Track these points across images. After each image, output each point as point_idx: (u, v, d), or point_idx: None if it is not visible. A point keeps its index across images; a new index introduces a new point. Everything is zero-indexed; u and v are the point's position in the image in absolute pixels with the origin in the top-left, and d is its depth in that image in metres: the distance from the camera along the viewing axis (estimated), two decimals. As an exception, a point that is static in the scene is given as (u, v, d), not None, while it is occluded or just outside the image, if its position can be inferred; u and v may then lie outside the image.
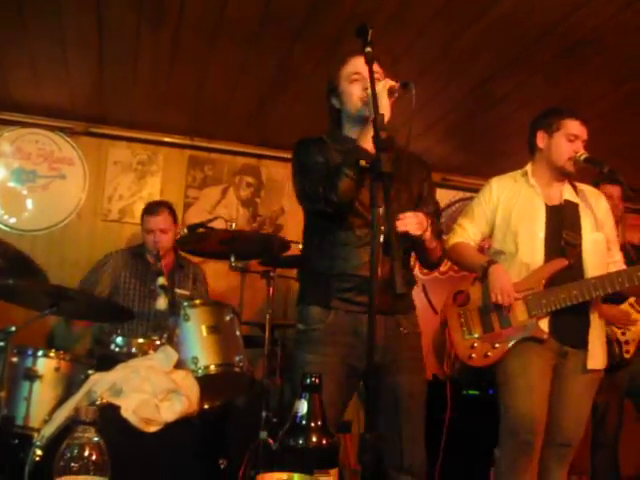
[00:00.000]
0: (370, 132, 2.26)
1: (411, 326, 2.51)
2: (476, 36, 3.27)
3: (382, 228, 2.37)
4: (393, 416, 2.39)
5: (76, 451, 1.18)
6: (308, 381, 1.38)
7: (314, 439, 1.31)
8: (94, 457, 1.18)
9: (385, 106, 2.28)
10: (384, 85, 2.33)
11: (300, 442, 1.31)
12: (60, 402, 3.08)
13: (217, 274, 4.45)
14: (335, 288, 2.43)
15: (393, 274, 1.86)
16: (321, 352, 2.40)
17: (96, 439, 1.19)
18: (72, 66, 3.89)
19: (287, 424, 1.35)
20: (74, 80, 4.09)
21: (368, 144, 2.26)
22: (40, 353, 3.23)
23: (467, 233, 3.16)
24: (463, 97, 3.97)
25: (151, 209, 4.05)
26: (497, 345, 2.95)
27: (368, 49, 2.14)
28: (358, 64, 2.45)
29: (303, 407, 1.35)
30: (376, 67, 2.39)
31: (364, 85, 2.43)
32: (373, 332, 1.78)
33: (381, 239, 2.37)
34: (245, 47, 3.54)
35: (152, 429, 2.64)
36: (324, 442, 1.31)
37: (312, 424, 1.33)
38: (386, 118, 2.28)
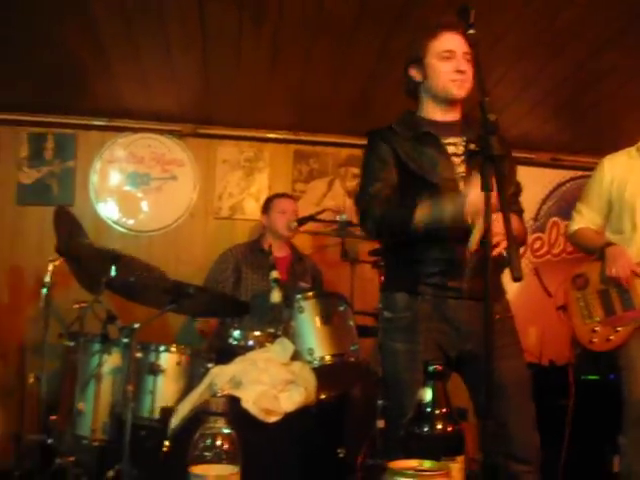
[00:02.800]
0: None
1: (504, 311, 2.42)
2: (581, 9, 3.15)
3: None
4: (499, 404, 2.32)
5: (208, 441, 1.22)
6: (431, 369, 1.37)
7: (439, 426, 1.31)
8: (226, 447, 1.22)
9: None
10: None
11: (425, 430, 1.30)
12: (183, 395, 3.18)
13: (327, 265, 4.49)
14: (421, 273, 2.36)
15: (485, 258, 1.79)
16: (410, 340, 2.35)
17: (227, 429, 1.23)
18: (178, 71, 4.00)
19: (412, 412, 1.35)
20: (181, 84, 4.21)
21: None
22: (162, 348, 3.36)
23: (585, 219, 3.06)
24: (568, 73, 3.83)
25: (280, 194, 4.29)
26: (619, 328, 2.84)
27: (471, 30, 2.09)
28: (451, 41, 2.39)
29: (427, 395, 1.34)
30: (465, 46, 2.35)
31: (456, 65, 2.38)
32: (490, 318, 1.73)
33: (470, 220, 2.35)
34: (345, 39, 3.54)
35: (272, 419, 2.69)
36: (449, 429, 1.30)
37: (437, 411, 1.32)
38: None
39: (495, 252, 2.08)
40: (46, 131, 4.79)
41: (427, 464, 1.12)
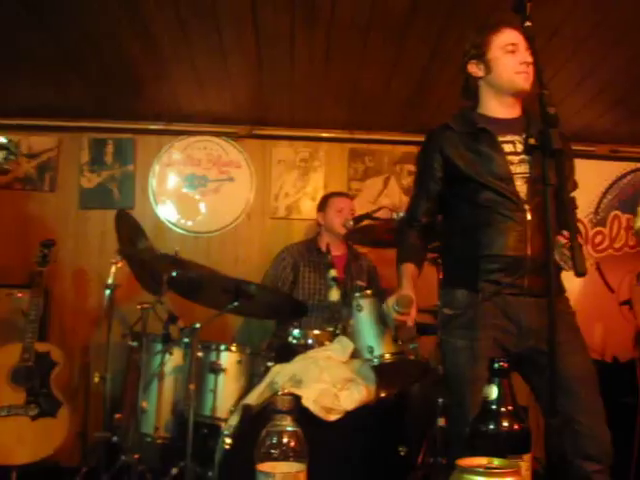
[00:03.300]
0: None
1: (564, 307, 2.38)
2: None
3: (527, 207, 2.34)
4: (565, 400, 2.29)
5: (275, 439, 1.24)
6: (496, 366, 1.35)
7: (505, 424, 1.29)
8: (292, 444, 1.23)
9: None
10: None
11: (491, 427, 1.30)
12: (243, 393, 3.23)
13: (383, 263, 4.48)
14: (482, 270, 2.36)
15: (547, 254, 1.79)
16: (471, 337, 2.33)
17: (293, 427, 1.25)
18: (233, 73, 4.05)
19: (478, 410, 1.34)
20: (236, 86, 4.25)
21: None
22: (223, 348, 3.41)
23: None
24: (628, 63, 3.75)
25: (338, 192, 4.35)
26: (686, 323, 2.77)
27: (528, 23, 2.06)
28: (514, 35, 2.39)
29: (493, 392, 1.33)
30: (528, 44, 2.33)
31: (522, 58, 2.37)
32: (553, 315, 1.71)
33: (528, 217, 2.34)
34: (397, 37, 3.53)
35: (332, 418, 2.70)
36: (516, 427, 1.29)
37: (502, 409, 1.31)
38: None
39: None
40: (106, 136, 4.90)
41: (497, 462, 1.11)
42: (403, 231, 2.64)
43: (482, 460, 1.13)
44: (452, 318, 2.42)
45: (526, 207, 2.35)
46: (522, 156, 2.40)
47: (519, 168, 2.39)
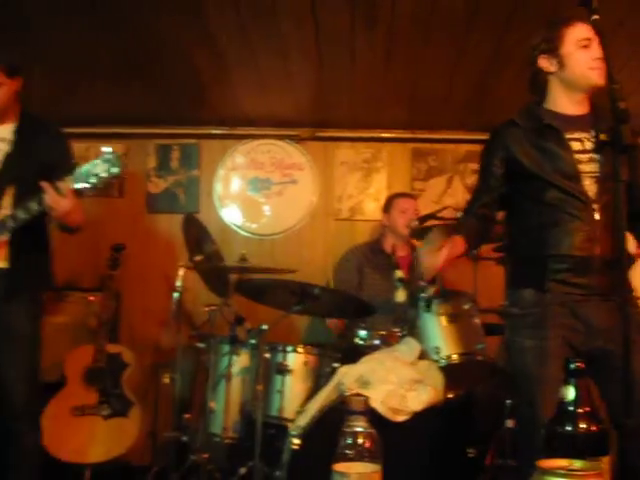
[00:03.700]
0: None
1: (633, 307, 2.28)
2: None
3: (595, 206, 2.29)
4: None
5: (350, 439, 1.25)
6: (572, 366, 1.33)
7: (583, 426, 1.27)
8: (367, 445, 1.24)
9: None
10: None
11: (568, 429, 1.28)
12: (310, 394, 3.24)
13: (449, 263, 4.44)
14: (550, 270, 2.33)
15: (619, 253, 1.75)
16: (540, 336, 2.31)
17: (367, 428, 1.25)
18: (295, 75, 4.07)
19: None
20: (297, 89, 4.28)
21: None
22: (289, 349, 3.42)
23: None
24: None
25: (401, 193, 4.33)
26: None
27: (595, 17, 2.03)
28: (587, 30, 2.33)
29: (570, 393, 1.31)
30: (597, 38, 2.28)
31: (594, 53, 2.31)
32: (627, 314, 1.67)
33: (597, 216, 2.29)
34: (459, 35, 3.50)
35: (400, 419, 2.69)
36: (594, 429, 1.27)
37: (580, 410, 1.29)
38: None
39: None
40: (172, 142, 4.99)
41: (577, 464, 1.09)
42: (459, 219, 2.66)
43: (563, 462, 1.11)
44: (519, 318, 2.40)
45: (594, 206, 2.31)
46: (591, 154, 2.35)
47: (588, 167, 2.34)
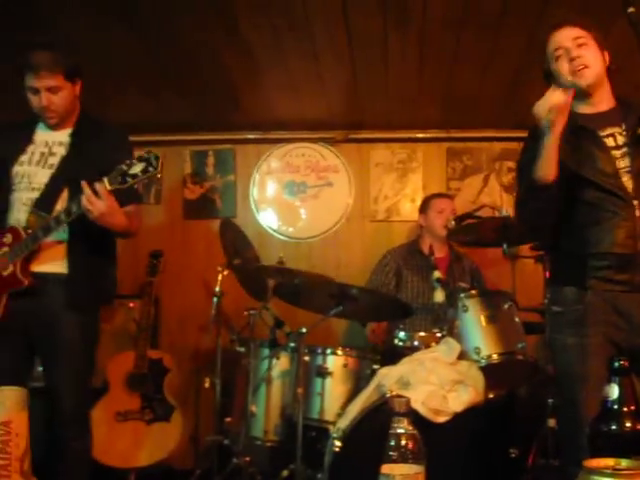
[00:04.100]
0: (543, 159, 2.24)
1: None
2: None
3: (635, 202, 2.26)
4: None
5: (393, 441, 1.25)
6: (617, 365, 1.32)
7: (628, 424, 1.26)
8: (410, 446, 1.24)
9: (550, 125, 2.23)
10: (543, 103, 2.25)
11: (613, 428, 1.26)
12: (351, 396, 3.24)
13: (486, 262, 4.42)
14: (591, 267, 2.31)
15: None
16: (582, 333, 2.30)
17: (410, 429, 1.25)
18: (327, 78, 4.07)
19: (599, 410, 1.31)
20: (330, 91, 4.28)
21: (542, 173, 2.25)
22: (329, 351, 3.43)
23: None
24: None
25: (438, 194, 4.30)
26: None
27: (631, 9, 2.01)
28: (557, 38, 2.38)
29: (614, 392, 1.30)
30: (574, 32, 2.35)
31: (568, 57, 2.34)
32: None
33: (637, 212, 2.26)
34: (491, 32, 3.47)
35: (441, 420, 2.68)
36: (639, 427, 1.25)
37: (624, 409, 1.27)
38: (555, 136, 2.21)
39: None
40: (207, 148, 5.03)
41: (624, 463, 1.08)
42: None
43: (609, 461, 1.10)
44: (561, 315, 2.38)
45: (635, 203, 2.29)
46: (624, 149, 2.34)
47: (622, 162, 2.33)
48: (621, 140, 2.35)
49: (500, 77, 4.01)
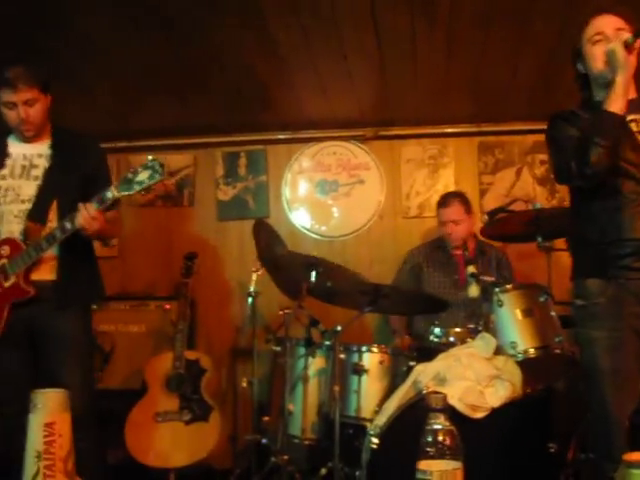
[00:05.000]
0: (616, 95, 2.20)
1: None
2: None
3: None
4: None
5: (431, 437, 1.25)
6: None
7: (668, 417, 1.25)
8: (448, 442, 1.24)
9: (624, 63, 2.19)
10: (618, 41, 2.21)
11: (654, 420, 1.25)
12: (387, 393, 3.24)
13: (520, 255, 4.38)
14: (611, 256, 2.29)
15: None
16: (607, 327, 2.28)
17: (447, 425, 1.26)
18: (356, 76, 4.08)
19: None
20: (359, 89, 4.29)
21: (616, 107, 2.21)
22: (364, 349, 3.43)
23: None
24: None
25: (442, 201, 4.16)
26: None
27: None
28: (600, 23, 2.36)
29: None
30: (617, 22, 2.32)
31: (607, 44, 2.31)
32: None
33: None
34: (520, 25, 3.45)
35: (479, 415, 2.68)
36: (680, 420, 1.25)
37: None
38: (629, 74, 2.16)
39: None
40: (238, 149, 5.06)
41: (666, 456, 1.07)
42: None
43: (649, 454, 1.09)
44: (584, 309, 2.37)
45: None
46: None
47: None
48: None
49: (531, 68, 3.98)
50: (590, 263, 2.38)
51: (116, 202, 2.89)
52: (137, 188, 2.68)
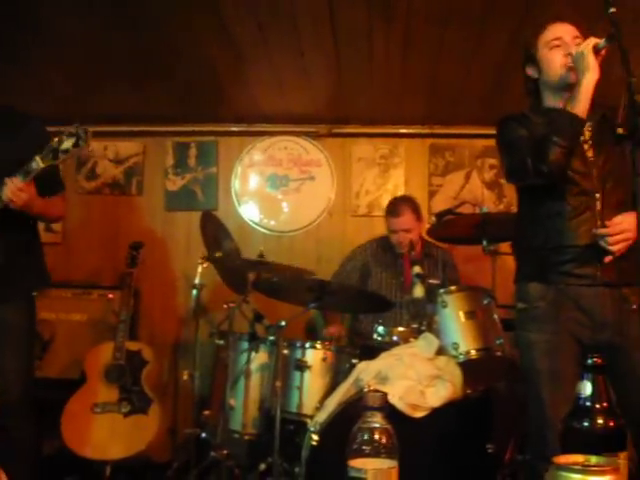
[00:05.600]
0: (582, 97, 2.23)
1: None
2: None
3: (597, 195, 2.28)
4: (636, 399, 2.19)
5: (367, 435, 1.25)
6: (590, 361, 1.32)
7: (600, 421, 1.26)
8: (384, 441, 1.24)
9: (593, 66, 2.21)
10: (587, 44, 2.23)
11: (585, 424, 1.27)
12: (329, 390, 3.24)
13: (466, 258, 4.43)
14: (553, 262, 2.34)
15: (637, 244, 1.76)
16: (546, 330, 2.33)
17: (384, 424, 1.25)
18: (312, 72, 4.07)
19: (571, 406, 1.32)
20: (315, 86, 4.28)
21: (579, 109, 2.24)
22: (307, 345, 3.43)
23: None
24: None
25: (392, 209, 4.06)
26: None
27: (612, 9, 2.01)
28: (558, 30, 2.39)
29: (586, 388, 1.30)
30: (574, 31, 2.37)
31: (566, 50, 2.34)
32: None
33: (598, 206, 2.29)
34: (475, 28, 3.48)
35: (419, 415, 2.69)
36: (611, 424, 1.26)
37: (597, 406, 1.28)
38: (596, 78, 2.21)
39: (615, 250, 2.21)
40: (189, 140, 5.01)
41: (594, 459, 1.08)
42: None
43: (578, 458, 1.11)
44: (525, 312, 2.42)
45: (597, 196, 2.33)
46: (589, 142, 2.38)
47: (589, 153, 2.38)
48: (587, 135, 2.39)
49: (483, 74, 4.02)
50: (532, 268, 2.42)
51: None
52: (62, 157, 2.60)
